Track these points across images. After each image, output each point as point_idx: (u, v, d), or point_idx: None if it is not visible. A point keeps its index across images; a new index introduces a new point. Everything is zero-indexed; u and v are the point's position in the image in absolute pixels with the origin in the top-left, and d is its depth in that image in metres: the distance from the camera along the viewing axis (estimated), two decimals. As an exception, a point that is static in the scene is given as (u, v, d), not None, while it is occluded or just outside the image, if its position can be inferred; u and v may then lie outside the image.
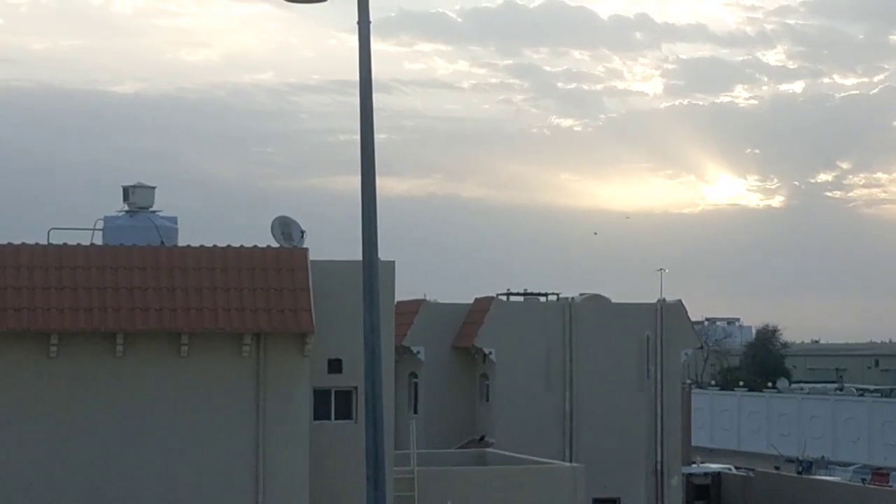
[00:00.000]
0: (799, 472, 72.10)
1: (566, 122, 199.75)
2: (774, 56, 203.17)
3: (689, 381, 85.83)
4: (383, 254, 19.07)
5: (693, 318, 56.66)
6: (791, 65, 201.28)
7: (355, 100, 18.18)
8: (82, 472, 30.83)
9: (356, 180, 18.02)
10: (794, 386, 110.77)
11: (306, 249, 32.71)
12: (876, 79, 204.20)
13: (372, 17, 18.43)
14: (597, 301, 51.92)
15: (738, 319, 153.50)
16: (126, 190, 35.63)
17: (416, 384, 51.08)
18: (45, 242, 32.18)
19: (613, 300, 52.47)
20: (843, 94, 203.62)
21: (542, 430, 48.97)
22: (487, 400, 50.25)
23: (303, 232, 33.90)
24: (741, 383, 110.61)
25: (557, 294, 52.48)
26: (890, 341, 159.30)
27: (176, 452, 31.24)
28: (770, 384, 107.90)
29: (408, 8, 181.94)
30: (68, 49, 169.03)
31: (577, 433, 49.69)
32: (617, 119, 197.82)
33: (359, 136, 18.33)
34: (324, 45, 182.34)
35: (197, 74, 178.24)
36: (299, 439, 31.81)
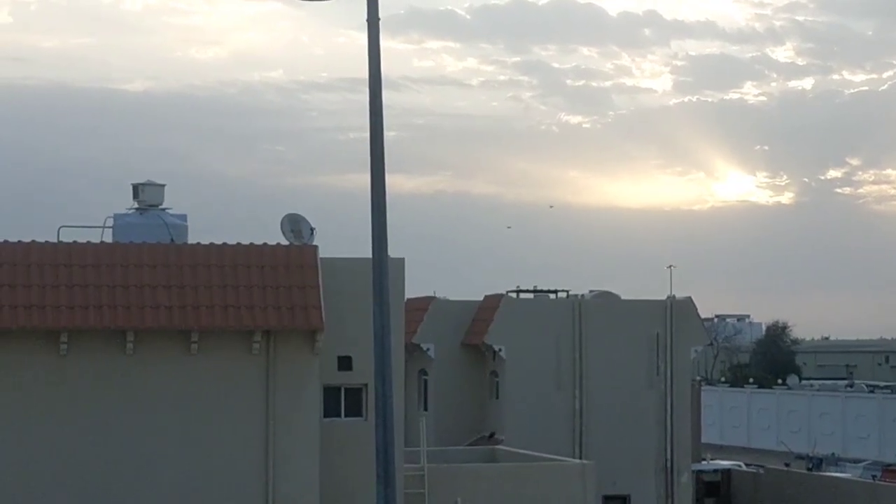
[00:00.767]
0: (809, 469, 72.01)
1: (575, 119, 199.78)
2: (784, 53, 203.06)
3: (698, 378, 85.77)
4: (392, 251, 19.06)
5: (703, 315, 56.61)
6: (800, 61, 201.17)
7: (365, 97, 18.19)
8: (91, 469, 30.85)
9: (366, 178, 18.03)
10: (804, 382, 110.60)
11: (316, 247, 32.71)
12: (885, 75, 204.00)
13: (381, 15, 18.44)
14: (606, 298, 51.89)
15: (747, 316, 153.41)
16: (136, 188, 35.65)
17: (425, 381, 51.08)
18: (55, 240, 32.22)
19: (623, 297, 52.42)
20: (852, 91, 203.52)
21: (552, 427, 48.95)
22: (497, 397, 50.23)
23: (312, 229, 33.91)
24: (751, 380, 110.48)
25: (567, 291, 52.47)
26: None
27: (186, 450, 31.26)
28: (780, 381, 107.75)
29: (417, 5, 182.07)
30: (78, 47, 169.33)
31: (586, 430, 49.66)
32: (626, 116, 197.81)
33: (368, 134, 18.34)
34: (333, 42, 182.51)
35: (207, 72, 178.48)
36: (309, 437, 31.81)
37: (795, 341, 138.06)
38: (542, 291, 52.63)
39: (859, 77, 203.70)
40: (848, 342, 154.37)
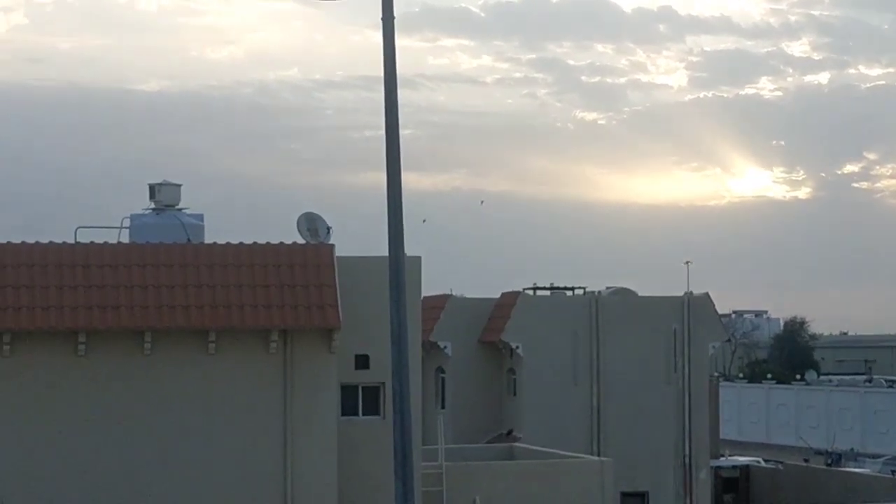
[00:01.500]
0: (828, 465, 71.82)
1: (590, 116, 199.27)
2: (799, 47, 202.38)
3: (716, 374, 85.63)
4: (409, 249, 19.06)
5: (720, 311, 56.47)
6: (816, 56, 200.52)
7: (380, 95, 18.21)
8: (109, 469, 30.92)
9: (381, 176, 18.04)
10: (822, 378, 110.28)
11: (332, 245, 32.72)
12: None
13: (396, 13, 18.45)
14: (623, 294, 51.83)
15: (765, 312, 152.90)
16: (152, 188, 35.71)
17: (443, 379, 51.09)
18: (73, 241, 32.29)
19: (640, 293, 52.36)
20: (868, 85, 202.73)
21: (570, 424, 48.93)
22: (514, 394, 50.21)
23: (329, 228, 33.92)
24: (769, 376, 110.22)
25: (584, 288, 52.42)
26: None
27: (203, 449, 31.31)
28: (798, 376, 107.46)
29: (431, 3, 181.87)
30: (93, 48, 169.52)
31: (604, 427, 49.63)
32: (641, 112, 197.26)
33: (384, 132, 18.35)
34: (348, 41, 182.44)
35: (222, 72, 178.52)
36: (327, 435, 31.83)
37: (814, 336, 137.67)
38: (558, 288, 52.58)
39: (875, 71, 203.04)
40: (866, 337, 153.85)
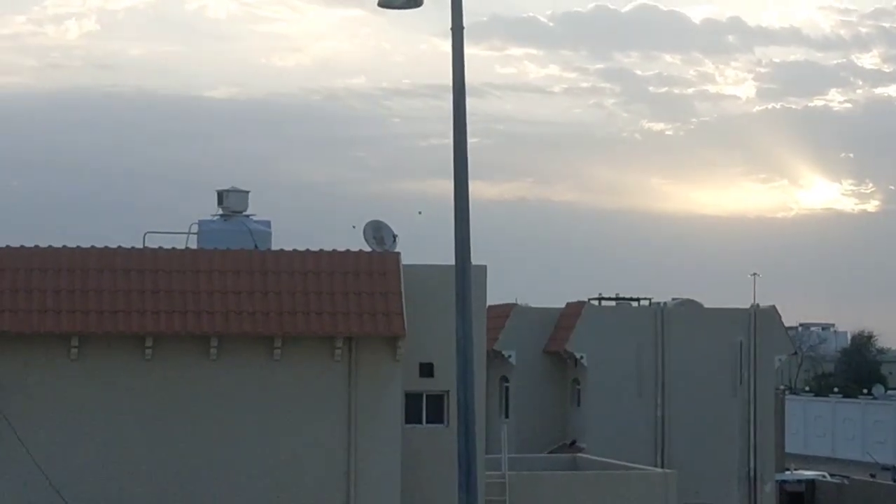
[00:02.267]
0: (895, 480, 71.15)
1: (657, 127, 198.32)
2: (870, 59, 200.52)
3: (782, 387, 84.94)
4: (475, 258, 19.06)
5: (787, 324, 56.11)
6: (886, 68, 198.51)
7: (446, 104, 18.27)
8: (174, 473, 31.10)
9: (447, 184, 18.05)
10: (889, 392, 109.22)
11: (398, 253, 32.78)
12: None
13: (464, 23, 18.46)
14: (689, 306, 51.59)
15: (832, 325, 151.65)
16: (220, 194, 35.92)
17: (507, 388, 51.04)
18: (141, 246, 32.54)
19: (706, 305, 52.11)
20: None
21: (634, 435, 48.73)
22: (578, 405, 50.09)
23: (395, 236, 33.98)
24: (836, 389, 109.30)
25: (649, 299, 52.22)
26: None
27: (268, 455, 31.42)
28: (865, 390, 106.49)
29: (499, 12, 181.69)
30: (163, 55, 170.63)
31: (668, 439, 49.39)
32: (709, 123, 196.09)
33: (451, 140, 18.37)
34: (415, 49, 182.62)
35: (290, 79, 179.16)
36: (391, 443, 31.87)
37: (881, 350, 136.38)
38: (624, 299, 52.41)
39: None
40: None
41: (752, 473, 50.13)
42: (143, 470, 31.01)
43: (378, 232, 33.77)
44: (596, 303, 51.73)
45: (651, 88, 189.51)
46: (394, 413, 32.05)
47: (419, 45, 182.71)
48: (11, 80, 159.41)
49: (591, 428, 48.69)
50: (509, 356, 49.91)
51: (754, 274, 61.77)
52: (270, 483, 31.40)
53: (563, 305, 51.79)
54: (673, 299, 52.45)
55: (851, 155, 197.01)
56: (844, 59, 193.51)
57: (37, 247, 31.65)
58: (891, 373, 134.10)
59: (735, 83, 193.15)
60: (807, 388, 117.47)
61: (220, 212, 35.75)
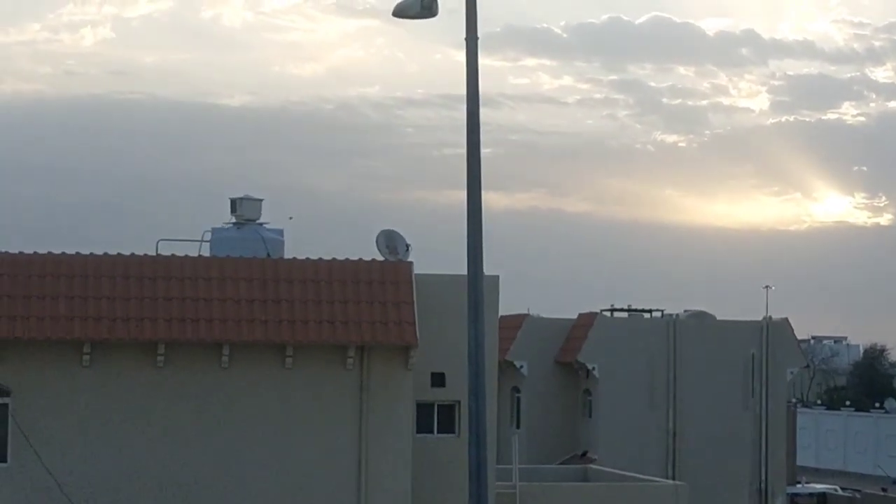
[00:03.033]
0: (906, 494, 70.94)
1: (671, 138, 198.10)
2: (883, 73, 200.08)
3: (794, 400, 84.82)
4: (487, 268, 19.05)
5: (799, 337, 56.02)
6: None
7: (460, 114, 18.27)
8: (186, 480, 31.11)
9: (460, 194, 18.07)
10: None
11: (411, 263, 32.78)
12: None
13: (478, 33, 18.48)
14: (701, 318, 51.54)
15: (845, 338, 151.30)
16: (233, 202, 35.95)
17: (518, 399, 51.02)
18: (154, 253, 32.58)
19: (718, 317, 52.05)
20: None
21: (645, 447, 48.69)
22: (590, 416, 50.05)
23: (408, 245, 33.96)
24: (848, 403, 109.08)
25: (662, 310, 52.18)
26: None
27: (279, 464, 31.44)
28: (877, 404, 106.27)
29: (513, 23, 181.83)
30: (178, 62, 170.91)
31: (679, 451, 49.33)
32: (722, 135, 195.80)
33: (464, 150, 18.38)
34: (429, 59, 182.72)
35: (304, 88, 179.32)
36: (402, 452, 31.86)
37: (894, 364, 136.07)
38: (636, 310, 52.38)
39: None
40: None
41: (763, 486, 50.04)
42: (155, 477, 31.02)
43: (391, 241, 33.76)
44: (608, 314, 51.71)
45: (665, 100, 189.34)
46: (405, 422, 32.05)
47: (433, 55, 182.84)
48: (27, 87, 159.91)
49: (603, 439, 48.64)
50: (521, 366, 49.89)
51: (767, 286, 61.72)
52: (281, 491, 31.41)
53: (575, 316, 51.78)
54: (685, 311, 52.40)
55: (865, 168, 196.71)
56: (858, 73, 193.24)
57: (49, 253, 31.69)
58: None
59: (749, 96, 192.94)
60: (819, 402, 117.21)
61: (233, 220, 35.77)
